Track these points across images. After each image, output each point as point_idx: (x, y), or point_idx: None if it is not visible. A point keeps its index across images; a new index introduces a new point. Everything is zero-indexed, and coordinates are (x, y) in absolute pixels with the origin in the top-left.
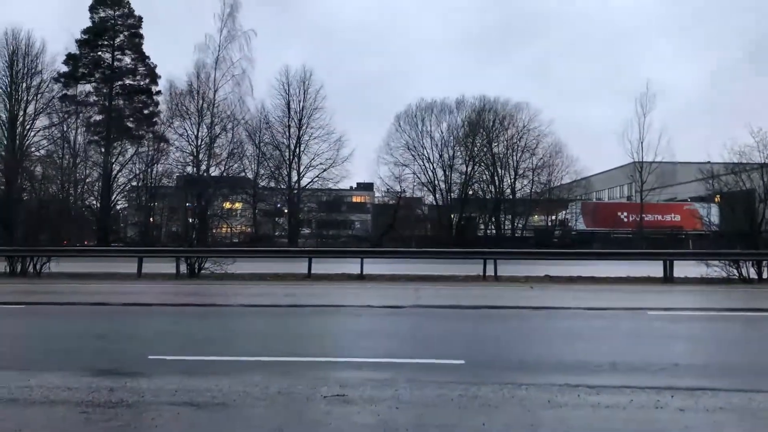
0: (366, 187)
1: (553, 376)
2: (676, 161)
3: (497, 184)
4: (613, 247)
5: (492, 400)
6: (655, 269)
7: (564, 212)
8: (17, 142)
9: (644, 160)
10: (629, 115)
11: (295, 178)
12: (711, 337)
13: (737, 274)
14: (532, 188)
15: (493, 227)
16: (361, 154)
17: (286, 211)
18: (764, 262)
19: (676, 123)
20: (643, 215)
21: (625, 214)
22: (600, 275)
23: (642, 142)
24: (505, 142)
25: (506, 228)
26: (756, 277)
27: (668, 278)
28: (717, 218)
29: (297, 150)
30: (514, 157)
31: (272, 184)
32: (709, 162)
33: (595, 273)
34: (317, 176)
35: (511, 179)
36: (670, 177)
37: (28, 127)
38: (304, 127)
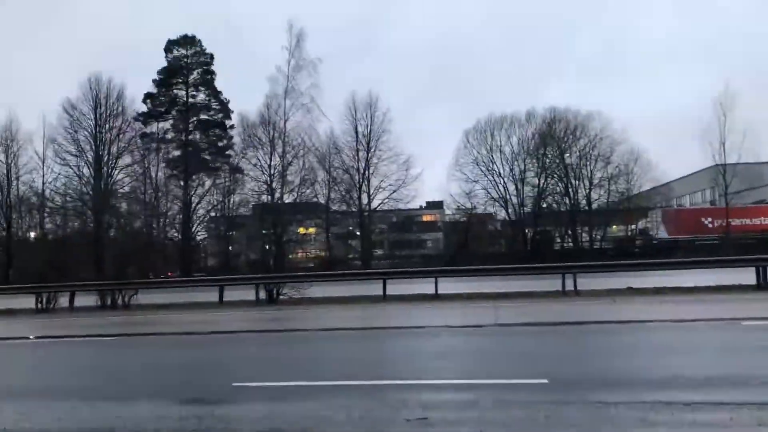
0: (436, 205)
1: (643, 393)
2: (762, 161)
3: (572, 195)
4: (698, 254)
5: (580, 420)
6: (747, 276)
7: (644, 221)
8: (103, 181)
9: (727, 162)
10: (708, 115)
11: (365, 200)
12: None
13: None
14: (608, 198)
15: (569, 240)
16: (429, 173)
17: (358, 233)
18: None
19: (761, 119)
20: (730, 220)
21: (710, 219)
22: (687, 285)
23: (723, 144)
24: (577, 152)
25: (584, 240)
26: None
27: (762, 285)
28: None
29: (366, 173)
30: (588, 167)
31: (344, 208)
32: None
33: (680, 283)
34: (387, 197)
35: (586, 190)
36: (757, 178)
37: (112, 166)
38: (372, 150)
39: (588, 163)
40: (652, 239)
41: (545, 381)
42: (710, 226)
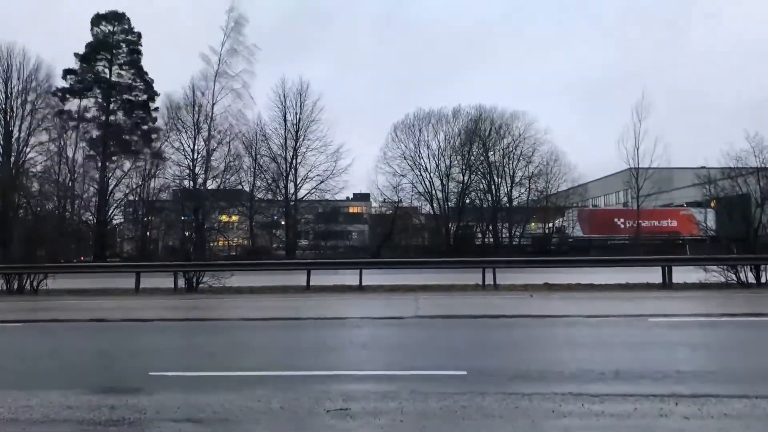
0: (363, 197)
1: (557, 386)
2: (672, 167)
3: (494, 192)
4: (611, 253)
5: (496, 411)
6: (654, 275)
7: (561, 219)
8: (13, 158)
9: (640, 166)
10: (625, 121)
11: (292, 189)
12: (712, 343)
13: (736, 279)
14: (528, 196)
15: (490, 236)
16: (357, 164)
17: (283, 223)
18: (762, 267)
19: (672, 128)
20: (640, 221)
21: (622, 220)
22: (599, 282)
23: (638, 149)
24: (501, 150)
25: (504, 236)
26: (755, 281)
27: (667, 284)
28: (714, 223)
29: (294, 162)
30: (511, 166)
31: (269, 197)
32: (704, 167)
33: (593, 280)
34: (314, 188)
35: (507, 188)
36: (666, 183)
37: (23, 143)
38: (301, 139)
39: (511, 161)
40: (568, 237)
41: (464, 373)
42: (622, 226)
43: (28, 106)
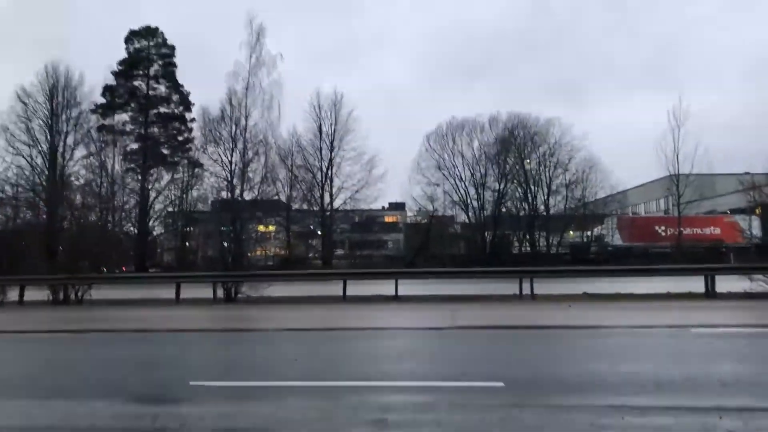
0: (398, 206)
1: (596, 398)
2: (715, 173)
3: (530, 201)
4: (651, 262)
5: (534, 424)
6: (696, 284)
7: (600, 227)
8: (58, 172)
9: (680, 172)
10: (664, 126)
11: (327, 199)
12: (757, 355)
13: None
14: (566, 204)
15: (527, 244)
16: (393, 173)
17: (319, 232)
18: None
19: (714, 133)
20: (682, 229)
21: (663, 228)
22: (639, 292)
23: (677, 155)
24: (537, 158)
25: (541, 245)
26: None
27: (710, 293)
28: (758, 230)
29: (329, 172)
30: (547, 174)
31: (305, 207)
32: (748, 173)
33: (633, 289)
34: (349, 197)
35: (544, 196)
36: (709, 189)
37: (68, 157)
38: (336, 150)
39: (547, 169)
40: (607, 246)
41: (501, 384)
42: (663, 234)
43: (72, 122)
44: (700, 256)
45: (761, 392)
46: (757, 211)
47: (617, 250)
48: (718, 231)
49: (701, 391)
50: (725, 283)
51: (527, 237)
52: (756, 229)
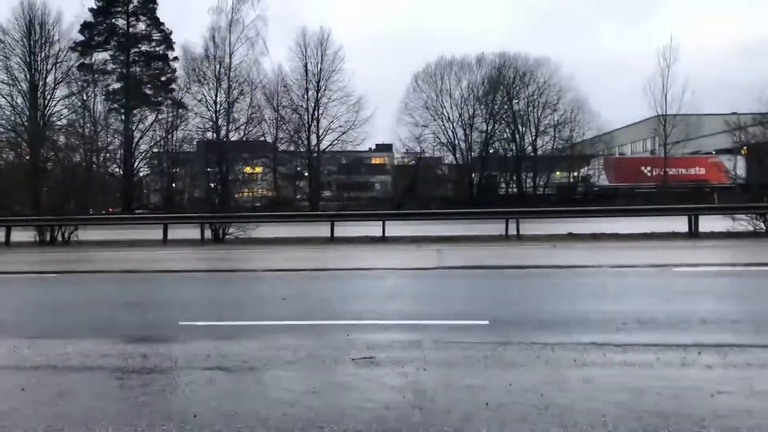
0: (385, 148)
1: (579, 335)
2: (701, 113)
3: (518, 141)
4: (637, 202)
5: (518, 360)
6: (680, 224)
7: (586, 168)
8: (39, 111)
9: (668, 113)
10: (652, 67)
11: (314, 141)
12: (738, 293)
13: (764, 228)
14: (553, 145)
15: (514, 185)
16: (379, 114)
17: (306, 174)
18: None
19: (701, 73)
20: (667, 169)
21: (649, 168)
22: (624, 232)
23: (665, 95)
24: (525, 98)
25: (528, 186)
26: None
27: (693, 233)
28: (743, 170)
29: (316, 113)
30: (535, 114)
31: (292, 148)
32: (735, 113)
33: (618, 229)
34: (336, 139)
35: (532, 136)
36: (695, 130)
37: (48, 96)
38: (322, 90)
39: (535, 109)
40: (593, 186)
41: (486, 322)
42: (649, 174)
43: (51, 60)
44: (684, 197)
45: (739, 329)
46: (743, 151)
47: (603, 191)
48: (703, 171)
49: (682, 328)
50: (709, 223)
51: (514, 178)
52: (741, 170)
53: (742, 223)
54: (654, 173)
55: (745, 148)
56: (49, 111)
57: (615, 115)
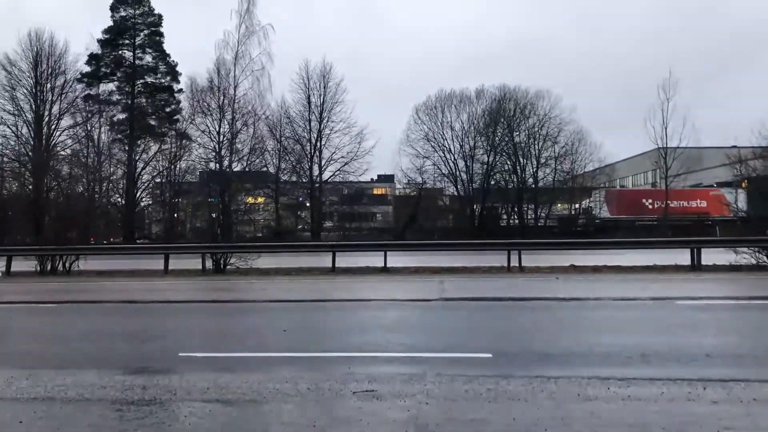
0: (387, 178)
1: (583, 369)
2: (702, 146)
3: (519, 173)
4: (638, 234)
5: (521, 394)
6: (682, 257)
7: (588, 200)
8: (43, 141)
9: (668, 145)
10: (653, 100)
11: (316, 171)
12: (741, 327)
13: (767, 261)
14: (554, 177)
15: (516, 217)
16: (382, 145)
17: (308, 204)
18: None
19: (701, 107)
20: (669, 202)
21: (650, 200)
22: (626, 264)
23: (666, 128)
24: (526, 131)
25: (529, 217)
26: None
27: (696, 266)
28: (744, 203)
29: (318, 144)
30: (536, 146)
31: (294, 178)
32: (735, 146)
33: (620, 262)
34: (339, 170)
35: (533, 168)
36: (696, 162)
37: (53, 126)
38: (324, 121)
39: (536, 141)
40: (595, 218)
41: (489, 355)
42: (650, 207)
43: (57, 91)
44: (686, 229)
45: (744, 363)
46: (744, 185)
47: (605, 223)
48: (704, 204)
49: (686, 362)
50: (711, 256)
51: (516, 209)
52: (742, 203)
53: (745, 257)
54: (655, 205)
55: (745, 181)
56: (54, 141)
57: (616, 147)
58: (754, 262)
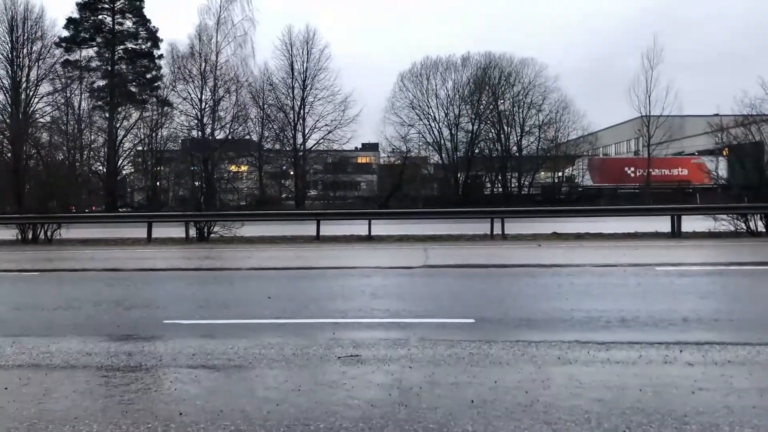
0: (371, 147)
1: (563, 334)
2: (684, 114)
3: (503, 141)
4: (620, 202)
5: (503, 358)
6: (663, 224)
7: (571, 168)
8: (21, 108)
9: (651, 114)
10: (636, 68)
11: (300, 140)
12: (719, 292)
13: (745, 228)
14: (538, 145)
15: (499, 185)
16: (366, 113)
17: (291, 173)
18: None
19: (685, 76)
20: (650, 170)
21: (632, 169)
22: (607, 231)
23: (649, 96)
24: (510, 99)
25: (513, 186)
26: (764, 230)
27: (676, 233)
28: (725, 171)
29: (302, 111)
30: (521, 114)
31: (277, 147)
32: (717, 114)
33: (602, 229)
34: (323, 138)
35: (517, 136)
36: (678, 131)
37: (31, 93)
38: (308, 89)
39: (520, 109)
40: (577, 186)
41: (472, 321)
42: (632, 175)
43: (34, 56)
44: (667, 197)
45: (720, 327)
46: (725, 153)
47: (587, 191)
48: (685, 172)
49: (664, 326)
50: (691, 223)
51: (499, 178)
52: (722, 171)
53: (724, 224)
54: (637, 174)
55: (726, 149)
56: (32, 108)
57: (599, 115)
58: (732, 228)
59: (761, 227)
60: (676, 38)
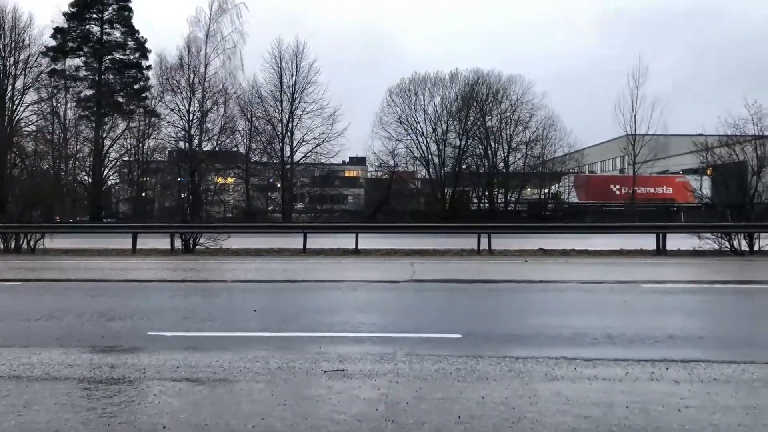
0: (359, 161)
1: (550, 350)
2: (669, 134)
3: (491, 157)
4: (606, 219)
5: (490, 374)
6: (648, 242)
7: (557, 185)
8: (7, 117)
9: (637, 132)
10: (623, 87)
11: (287, 152)
12: (704, 310)
13: (729, 247)
14: (525, 161)
15: (486, 201)
16: (354, 128)
17: (279, 185)
18: (756, 234)
19: (670, 95)
20: (636, 188)
21: (618, 186)
22: (593, 248)
23: (635, 115)
24: (498, 115)
25: (499, 202)
26: (747, 249)
27: (661, 251)
28: (709, 190)
29: (290, 124)
30: (508, 131)
31: (265, 159)
32: (702, 134)
33: (588, 246)
34: (310, 151)
35: (504, 153)
36: (663, 149)
37: (17, 102)
38: (297, 102)
39: (507, 126)
40: (563, 203)
41: (459, 336)
42: (618, 192)
43: (21, 65)
44: (652, 215)
45: (705, 345)
46: (709, 172)
47: (573, 208)
48: (670, 191)
49: (650, 343)
50: (675, 241)
51: (486, 193)
52: (706, 189)
53: (708, 242)
54: (623, 191)
55: (710, 168)
56: (17, 116)
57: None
58: (716, 247)
59: (745, 246)
60: (661, 58)
